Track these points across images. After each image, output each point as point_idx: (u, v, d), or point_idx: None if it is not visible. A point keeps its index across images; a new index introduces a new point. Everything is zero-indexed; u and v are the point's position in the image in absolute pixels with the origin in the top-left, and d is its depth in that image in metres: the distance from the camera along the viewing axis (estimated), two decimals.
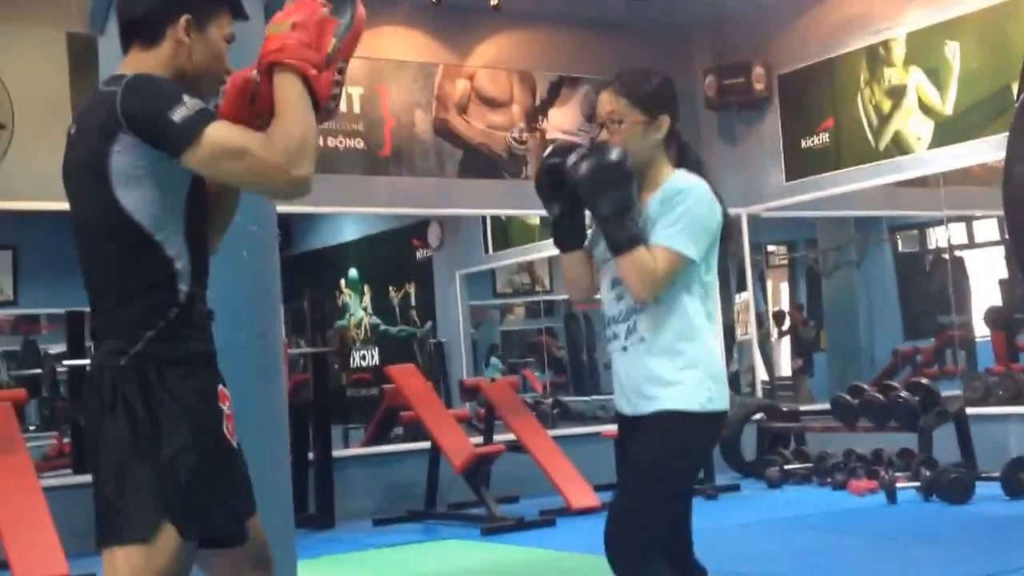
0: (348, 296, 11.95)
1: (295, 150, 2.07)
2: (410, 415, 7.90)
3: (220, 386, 2.25)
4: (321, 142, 7.69)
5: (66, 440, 8.79)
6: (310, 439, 7.41)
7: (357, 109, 8.05)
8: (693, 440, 2.73)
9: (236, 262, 3.46)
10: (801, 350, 11.11)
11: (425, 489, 7.51)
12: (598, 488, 7.49)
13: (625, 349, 2.74)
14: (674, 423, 2.67)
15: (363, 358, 11.71)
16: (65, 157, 2.25)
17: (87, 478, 7.11)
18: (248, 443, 3.43)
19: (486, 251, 11.91)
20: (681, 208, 2.66)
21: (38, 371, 10.44)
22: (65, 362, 8.19)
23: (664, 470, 2.72)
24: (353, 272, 12.01)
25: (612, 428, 9.50)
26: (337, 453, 7.81)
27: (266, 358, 3.61)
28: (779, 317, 11.54)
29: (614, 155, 2.67)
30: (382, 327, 11.76)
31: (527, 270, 12.84)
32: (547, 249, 12.19)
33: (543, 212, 9.95)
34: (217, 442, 2.18)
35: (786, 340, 11.23)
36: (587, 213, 2.80)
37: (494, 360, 12.81)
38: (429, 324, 11.48)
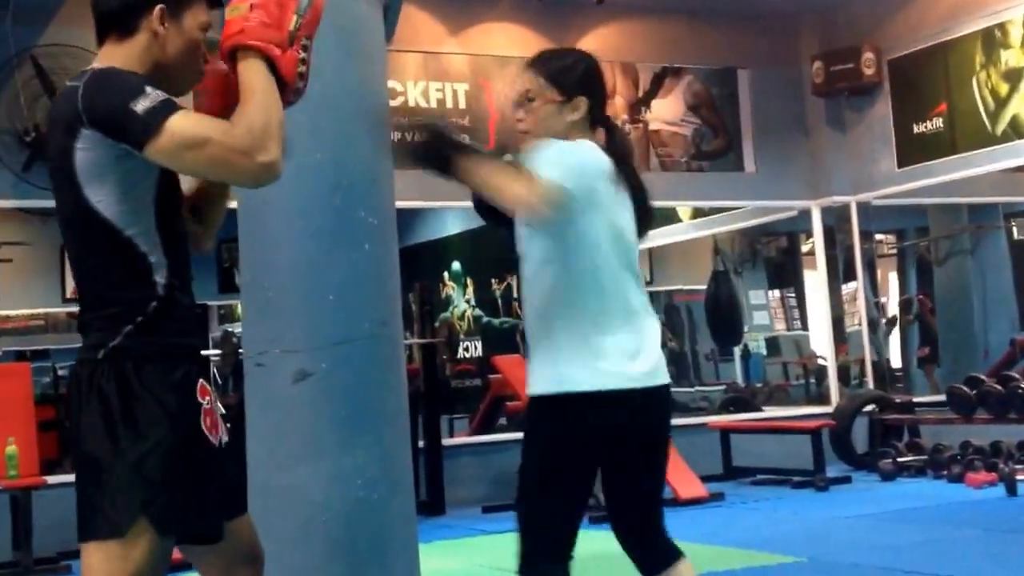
0: (451, 289, 12.09)
1: (259, 135, 2.01)
2: (517, 405, 7.98)
3: (201, 380, 2.18)
4: None
5: None
6: (420, 428, 7.54)
7: (462, 104, 8.14)
8: (541, 426, 2.57)
9: (358, 254, 3.57)
10: (927, 339, 10.94)
11: None
12: (704, 479, 7.50)
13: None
14: (529, 412, 2.59)
15: (466, 350, 11.84)
16: (46, 156, 2.22)
17: None
18: (370, 430, 3.56)
19: None
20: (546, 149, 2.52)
21: None
22: None
23: (531, 464, 2.60)
24: (456, 265, 12.14)
25: (718, 419, 9.51)
26: (446, 442, 7.93)
27: (387, 347, 3.70)
28: (906, 305, 11.38)
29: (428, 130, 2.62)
30: (485, 319, 11.87)
31: None
32: (648, 241, 12.20)
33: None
34: (195, 438, 2.12)
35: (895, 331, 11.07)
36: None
37: None
38: None
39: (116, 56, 2.16)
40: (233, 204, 3.73)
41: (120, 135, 2.02)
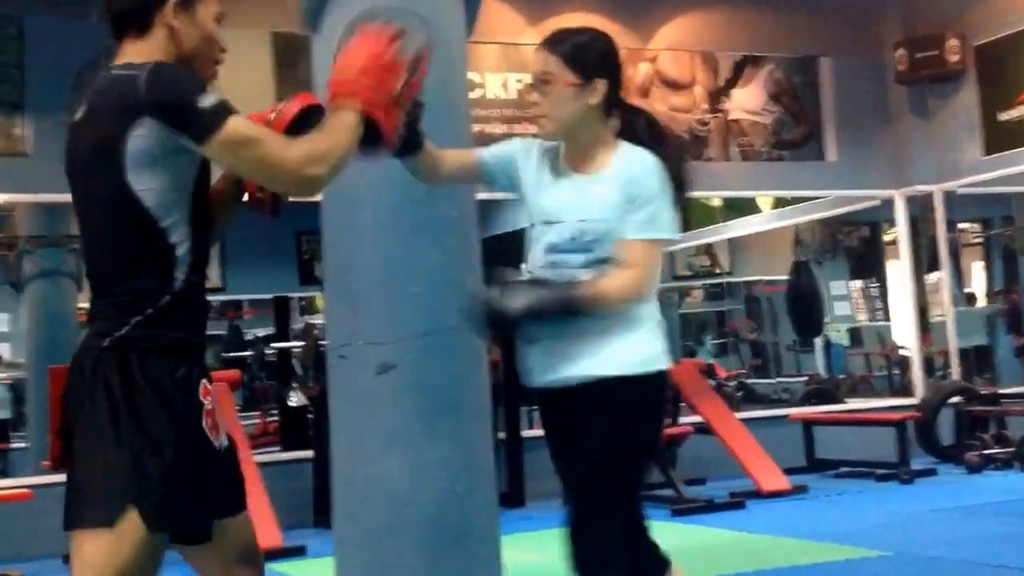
0: None
1: (317, 156, 2.11)
2: None
3: (204, 380, 2.18)
4: (507, 129, 7.84)
5: (269, 419, 9.23)
6: (499, 420, 7.57)
7: None
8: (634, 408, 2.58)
9: (440, 246, 3.58)
10: (1018, 328, 10.72)
11: None
12: (787, 471, 7.43)
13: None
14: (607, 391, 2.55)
15: None
16: (70, 142, 2.22)
17: (296, 455, 7.48)
18: (453, 423, 3.58)
19: None
20: (649, 193, 2.51)
21: (243, 354, 10.98)
22: (273, 344, 8.60)
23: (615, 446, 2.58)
24: None
25: (800, 411, 9.41)
26: (525, 433, 7.95)
27: (469, 339, 3.71)
28: (997, 295, 11.16)
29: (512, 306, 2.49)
30: None
31: (706, 252, 12.74)
32: (727, 231, 12.12)
33: (725, 193, 9.81)
34: (195, 436, 2.12)
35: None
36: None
37: (707, 340, 12.78)
38: None
39: (137, 53, 2.18)
40: (317, 197, 3.79)
41: (183, 127, 2.06)
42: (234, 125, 2.07)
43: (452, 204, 3.66)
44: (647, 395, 2.59)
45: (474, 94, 7.64)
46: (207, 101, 2.06)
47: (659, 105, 8.52)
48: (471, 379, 3.67)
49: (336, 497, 3.64)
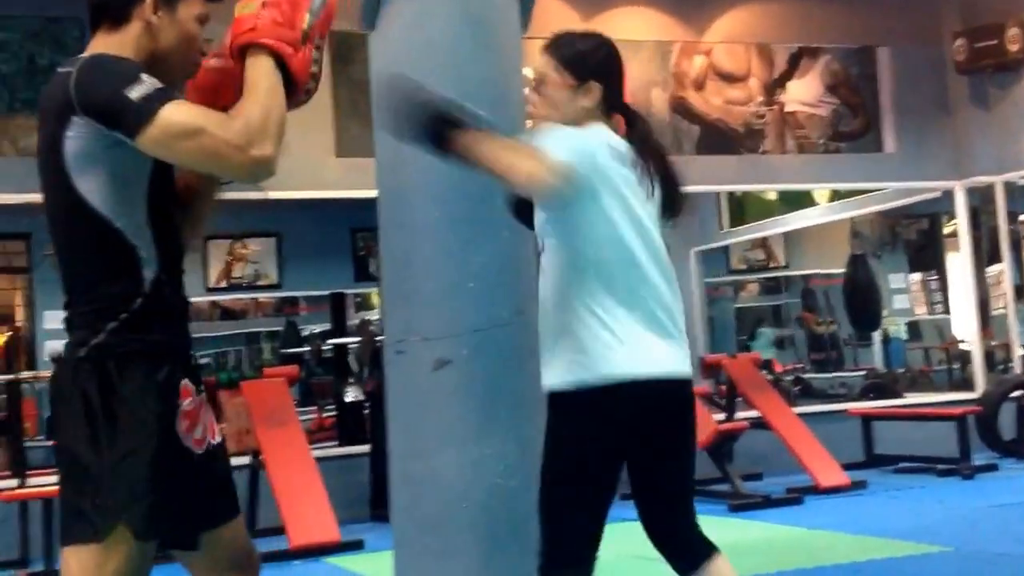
0: None
1: (256, 130, 1.97)
2: None
3: (185, 381, 2.12)
4: None
5: (325, 414, 9.32)
6: None
7: None
8: (564, 424, 2.52)
9: (496, 242, 3.59)
10: None
11: None
12: (845, 467, 7.36)
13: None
14: (551, 405, 2.51)
15: None
16: (37, 145, 2.14)
17: (352, 449, 7.53)
18: (509, 418, 3.58)
19: (721, 227, 11.80)
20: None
21: (301, 350, 11.08)
22: (330, 340, 8.68)
23: (547, 464, 2.53)
24: None
25: (859, 405, 9.32)
26: None
27: (524, 335, 3.70)
28: None
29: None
30: None
31: (761, 246, 12.64)
32: (784, 224, 12.02)
33: (782, 186, 9.71)
34: (169, 440, 2.06)
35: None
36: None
37: (764, 331, 12.70)
38: None
39: (108, 46, 2.11)
40: (373, 193, 3.81)
41: (113, 122, 1.97)
42: (169, 116, 1.94)
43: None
44: (579, 413, 2.51)
45: (529, 90, 7.63)
46: (136, 92, 1.95)
47: (714, 98, 8.48)
48: (526, 373, 3.66)
49: (393, 492, 3.66)
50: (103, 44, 2.12)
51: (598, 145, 2.48)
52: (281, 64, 2.06)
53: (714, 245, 11.85)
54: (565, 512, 2.53)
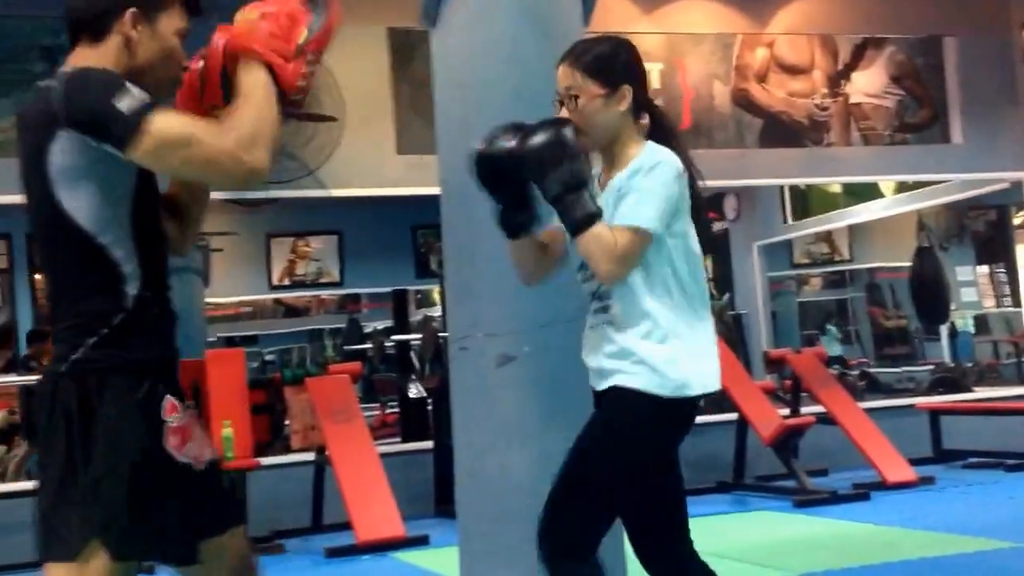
0: None
1: (247, 138, 1.98)
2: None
3: (169, 397, 2.09)
4: None
5: (388, 411, 9.38)
6: None
7: (656, 84, 8.08)
8: (647, 426, 2.46)
9: None
10: None
11: (732, 460, 7.50)
12: (913, 462, 7.26)
13: (593, 327, 2.56)
14: (629, 403, 2.44)
15: None
16: (19, 156, 2.14)
17: (416, 445, 7.58)
18: (573, 413, 3.57)
19: (784, 221, 11.70)
20: (640, 182, 2.43)
21: (363, 347, 11.18)
22: (393, 337, 8.74)
23: (604, 454, 2.48)
24: None
25: (927, 400, 9.19)
26: None
27: None
28: None
29: (557, 130, 2.43)
30: None
31: (825, 239, 12.51)
32: (849, 217, 11.88)
33: (848, 179, 9.57)
34: (155, 457, 2.03)
35: None
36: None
37: (831, 328, 12.59)
38: (727, 296, 11.41)
39: (88, 60, 2.09)
40: (434, 190, 3.82)
41: (101, 134, 1.96)
42: (157, 126, 1.95)
43: None
44: (658, 419, 2.48)
45: None
46: (125, 103, 1.94)
47: (777, 90, 8.40)
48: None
49: (459, 488, 3.67)
50: (83, 58, 2.11)
51: (679, 176, 2.47)
52: (272, 73, 2.09)
53: (777, 239, 11.76)
54: (602, 508, 2.52)
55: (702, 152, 8.19)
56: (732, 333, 10.93)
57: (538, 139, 2.44)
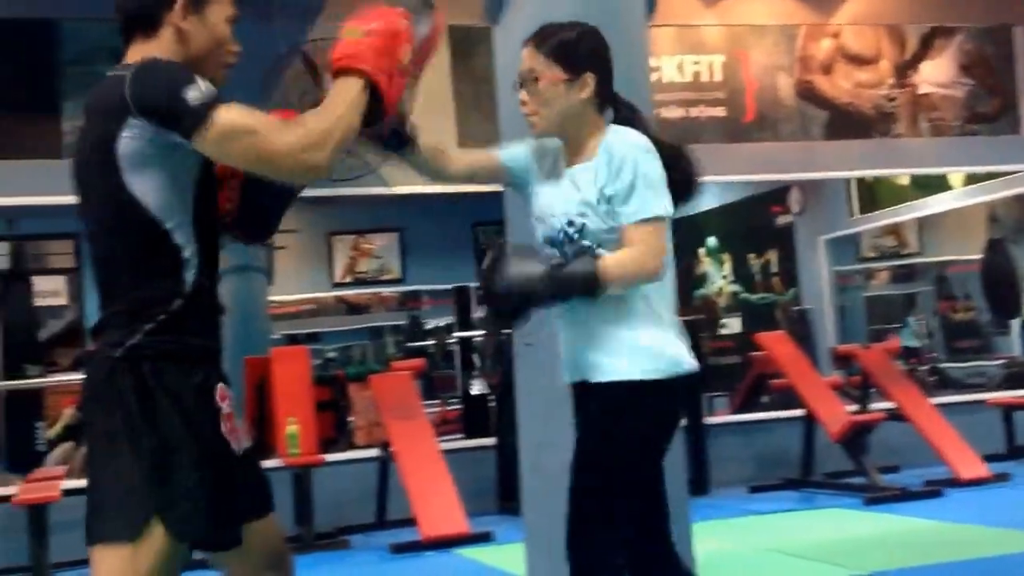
0: (707, 265, 11.94)
1: (315, 138, 2.03)
2: (782, 382, 7.81)
3: (221, 384, 2.14)
4: (684, 113, 7.75)
5: (449, 408, 9.40)
6: None
7: (719, 77, 8.00)
8: (650, 411, 2.47)
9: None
10: None
11: (800, 457, 7.41)
12: (986, 458, 7.12)
13: (573, 322, 2.52)
14: (630, 393, 2.43)
15: (723, 326, 11.66)
16: (74, 147, 2.19)
17: (479, 442, 7.57)
18: None
19: (851, 214, 11.53)
20: (631, 174, 2.39)
21: (424, 343, 11.21)
22: (455, 334, 8.76)
23: (620, 452, 2.48)
24: (712, 240, 11.98)
25: (999, 395, 9.00)
26: (708, 420, 7.85)
27: None
28: None
29: (518, 272, 2.40)
30: (742, 295, 11.66)
31: (893, 232, 12.32)
32: (917, 210, 11.68)
33: (916, 171, 9.40)
34: (214, 442, 2.08)
35: None
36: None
37: (911, 322, 12.42)
38: (793, 291, 11.27)
39: (145, 54, 2.14)
40: (495, 187, 3.80)
41: (170, 123, 2.01)
42: (225, 117, 2.00)
43: None
44: (644, 401, 2.46)
45: (651, 78, 7.55)
46: (193, 94, 2.00)
47: (843, 82, 8.27)
48: None
49: (524, 485, 3.65)
50: (140, 53, 2.16)
51: (652, 150, 2.45)
52: (375, 91, 2.13)
53: (844, 232, 11.59)
54: (626, 511, 2.52)
55: (767, 145, 8.12)
56: (798, 328, 10.80)
57: (510, 284, 2.41)
